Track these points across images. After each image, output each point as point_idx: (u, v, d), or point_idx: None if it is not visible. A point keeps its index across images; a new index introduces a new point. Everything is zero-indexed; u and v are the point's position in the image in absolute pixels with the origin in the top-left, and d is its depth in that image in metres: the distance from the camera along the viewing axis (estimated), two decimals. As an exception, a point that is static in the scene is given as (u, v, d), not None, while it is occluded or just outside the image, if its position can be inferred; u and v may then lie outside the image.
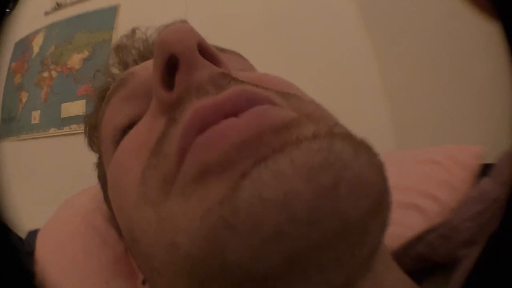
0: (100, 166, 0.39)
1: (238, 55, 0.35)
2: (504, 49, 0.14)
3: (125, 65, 0.38)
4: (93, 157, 0.42)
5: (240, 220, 0.15)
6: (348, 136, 0.19)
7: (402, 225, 0.34)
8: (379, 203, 0.18)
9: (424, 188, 0.44)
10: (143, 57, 0.38)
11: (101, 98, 0.38)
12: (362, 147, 0.18)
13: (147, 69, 0.29)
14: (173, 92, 0.22)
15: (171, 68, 0.22)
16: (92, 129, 0.41)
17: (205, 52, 0.22)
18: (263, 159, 0.16)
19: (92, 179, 0.44)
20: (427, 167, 0.49)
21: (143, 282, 0.33)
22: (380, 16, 1.02)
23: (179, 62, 0.21)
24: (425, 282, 0.25)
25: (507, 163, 0.28)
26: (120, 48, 0.39)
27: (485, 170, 0.44)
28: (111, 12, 1.37)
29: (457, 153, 0.50)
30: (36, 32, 1.49)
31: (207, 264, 0.16)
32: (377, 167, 0.18)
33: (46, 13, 1.50)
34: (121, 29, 1.32)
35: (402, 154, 0.55)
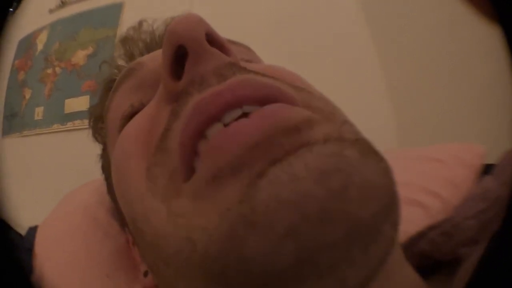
0: (105, 157, 0.40)
1: (247, 48, 0.36)
2: (504, 49, 0.14)
3: (131, 57, 0.38)
4: (96, 153, 0.42)
5: (259, 217, 0.16)
6: (357, 142, 0.19)
7: (405, 221, 0.34)
8: (388, 204, 0.18)
9: (426, 185, 0.44)
10: (149, 49, 0.38)
11: (107, 89, 0.38)
12: (370, 153, 0.19)
13: (155, 59, 0.30)
14: (180, 82, 0.22)
15: (180, 57, 0.22)
16: (97, 119, 0.41)
17: (214, 41, 0.22)
18: (277, 160, 0.17)
19: (95, 175, 0.44)
20: (429, 165, 0.49)
21: (145, 274, 0.34)
22: (381, 16, 1.02)
23: (187, 52, 0.21)
24: (428, 280, 0.25)
25: (508, 163, 0.28)
26: (126, 40, 0.40)
27: (487, 169, 0.44)
28: (116, 9, 1.37)
29: (460, 151, 0.50)
30: (40, 30, 1.49)
31: (224, 259, 0.17)
32: (384, 171, 0.19)
33: (51, 11, 1.50)
34: (125, 26, 1.31)
35: (405, 152, 0.55)
